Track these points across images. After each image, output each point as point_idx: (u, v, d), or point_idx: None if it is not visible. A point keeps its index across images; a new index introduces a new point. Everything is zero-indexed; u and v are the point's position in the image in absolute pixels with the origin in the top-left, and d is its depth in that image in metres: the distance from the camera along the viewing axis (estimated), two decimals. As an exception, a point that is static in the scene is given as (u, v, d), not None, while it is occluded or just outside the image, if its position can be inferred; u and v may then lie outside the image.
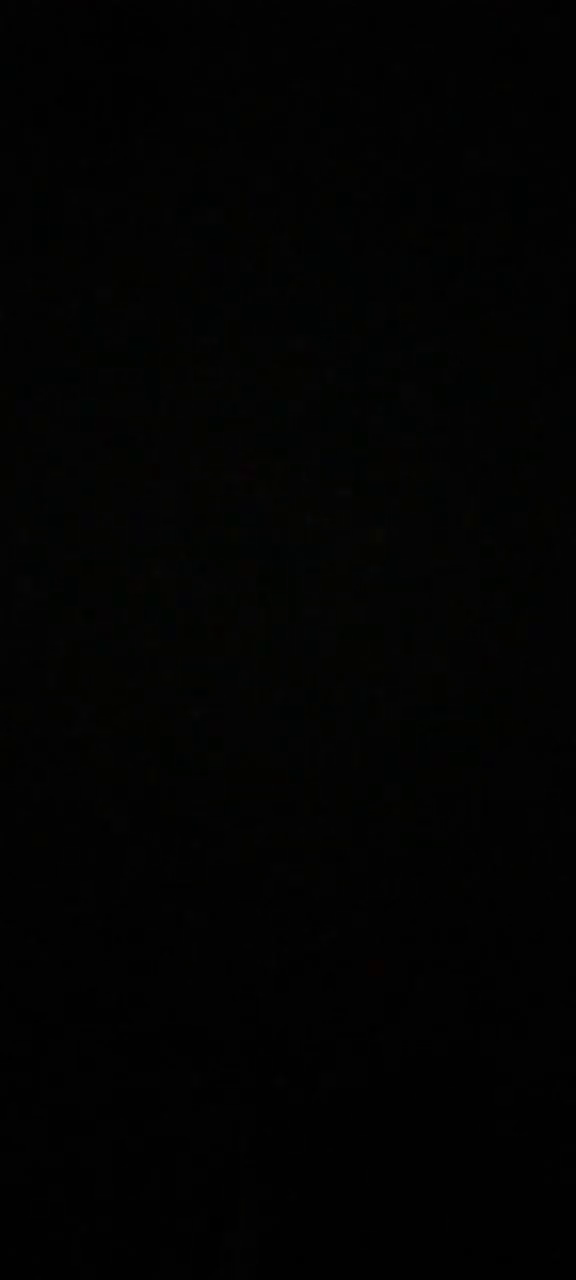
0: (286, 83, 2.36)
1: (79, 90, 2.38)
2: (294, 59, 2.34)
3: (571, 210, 2.42)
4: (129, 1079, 2.75)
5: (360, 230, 2.42)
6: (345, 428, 2.53)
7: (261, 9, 2.33)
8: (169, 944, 2.77)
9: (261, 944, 2.76)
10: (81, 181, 2.41)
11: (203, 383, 2.51)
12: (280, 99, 2.36)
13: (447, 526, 2.59)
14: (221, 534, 2.59)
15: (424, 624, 2.64)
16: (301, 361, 2.50)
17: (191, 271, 2.45)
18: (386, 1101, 1.53)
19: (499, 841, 2.75)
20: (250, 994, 2.76)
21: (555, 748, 2.72)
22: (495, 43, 2.34)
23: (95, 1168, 2.75)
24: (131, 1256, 2.74)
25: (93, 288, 2.46)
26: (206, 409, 2.52)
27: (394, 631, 2.65)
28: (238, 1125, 1.54)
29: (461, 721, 2.70)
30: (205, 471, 2.56)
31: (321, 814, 2.75)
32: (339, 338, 2.49)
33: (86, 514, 2.59)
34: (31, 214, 2.44)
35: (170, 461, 2.55)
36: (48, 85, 2.37)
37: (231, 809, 2.75)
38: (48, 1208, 2.76)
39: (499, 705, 2.70)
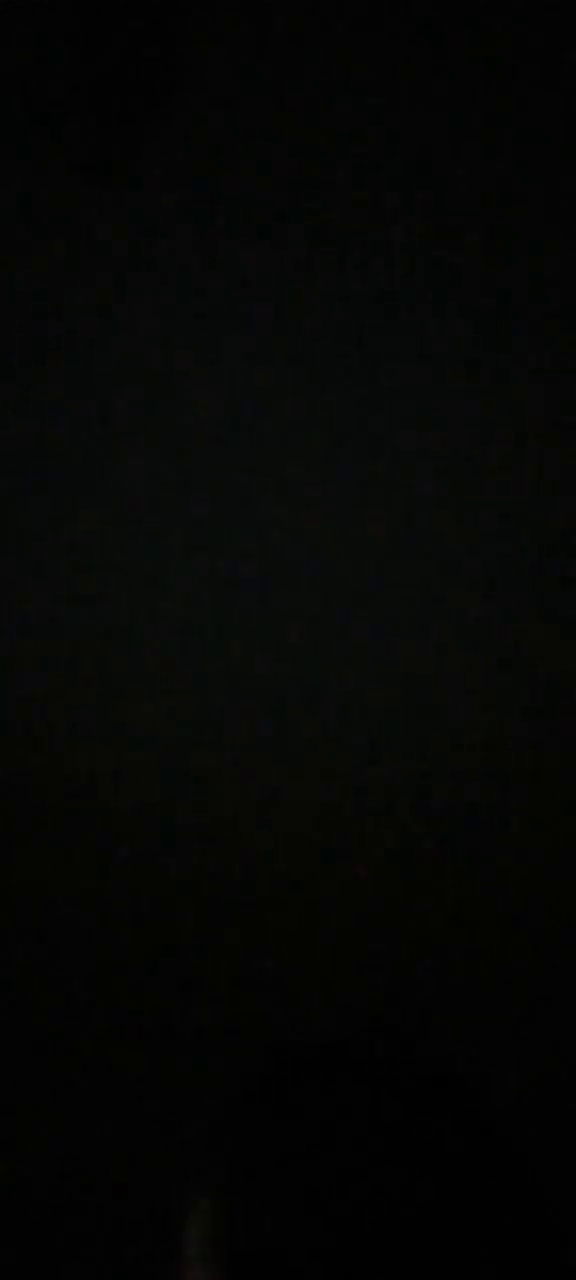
0: (290, 83, 2.36)
1: (79, 89, 2.38)
2: (296, 60, 2.34)
3: (571, 210, 2.42)
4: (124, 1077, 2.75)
5: (363, 231, 2.42)
6: (346, 428, 2.53)
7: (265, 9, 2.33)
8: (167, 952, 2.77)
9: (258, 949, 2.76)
10: (82, 182, 2.41)
11: (202, 383, 2.51)
12: (283, 99, 2.36)
13: (449, 527, 2.59)
14: (221, 534, 2.58)
15: (425, 624, 2.64)
16: (302, 361, 2.50)
17: (191, 272, 2.45)
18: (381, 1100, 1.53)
19: (502, 836, 2.75)
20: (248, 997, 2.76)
21: (560, 742, 2.72)
22: (496, 44, 2.34)
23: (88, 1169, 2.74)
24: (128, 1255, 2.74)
25: (93, 287, 2.46)
26: (206, 408, 2.52)
27: (394, 632, 2.64)
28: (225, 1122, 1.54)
29: (462, 723, 2.70)
30: (205, 471, 2.55)
31: (318, 812, 2.75)
32: (340, 337, 2.49)
33: (83, 512, 2.59)
34: (30, 213, 2.44)
35: (169, 460, 2.55)
36: (47, 85, 2.37)
37: (227, 805, 2.75)
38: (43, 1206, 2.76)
39: (500, 703, 2.69)
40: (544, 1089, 2.75)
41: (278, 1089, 1.54)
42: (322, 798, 2.73)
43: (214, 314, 2.46)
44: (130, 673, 2.67)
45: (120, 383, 2.50)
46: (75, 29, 2.34)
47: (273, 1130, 1.52)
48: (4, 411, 2.52)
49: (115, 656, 2.66)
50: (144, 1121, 2.78)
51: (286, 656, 2.65)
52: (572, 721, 2.68)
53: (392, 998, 2.75)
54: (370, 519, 2.56)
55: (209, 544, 2.58)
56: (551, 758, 2.70)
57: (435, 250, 2.41)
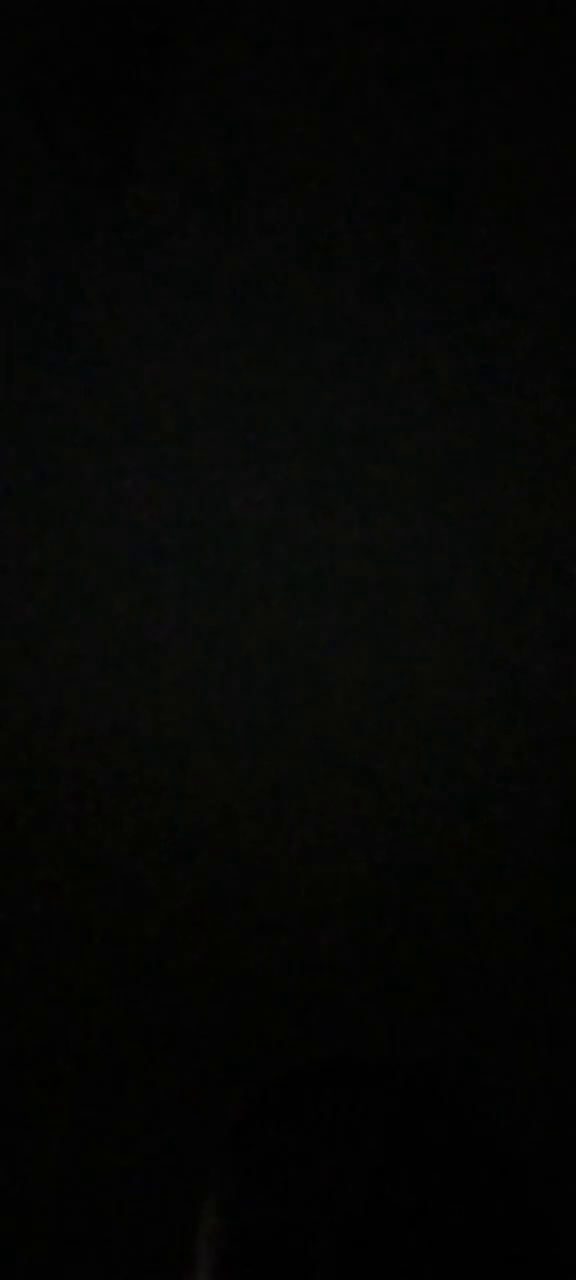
0: (289, 83, 2.36)
1: (79, 89, 2.38)
2: (295, 60, 2.35)
3: (571, 211, 2.42)
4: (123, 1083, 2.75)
5: (363, 231, 2.42)
6: (346, 428, 2.53)
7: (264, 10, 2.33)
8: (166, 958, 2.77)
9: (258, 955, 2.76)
10: (81, 184, 2.42)
11: (202, 383, 2.51)
12: (283, 100, 2.36)
13: (449, 527, 2.59)
14: (220, 534, 2.59)
15: (425, 625, 2.64)
16: (302, 361, 2.50)
17: (192, 272, 2.45)
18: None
19: (502, 836, 2.75)
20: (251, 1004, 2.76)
21: (560, 743, 2.72)
22: (496, 44, 2.34)
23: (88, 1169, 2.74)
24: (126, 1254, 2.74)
25: (93, 287, 2.47)
26: (206, 409, 2.53)
27: (395, 633, 2.65)
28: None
29: (462, 725, 2.70)
30: (205, 470, 2.56)
31: (316, 815, 2.75)
32: (340, 337, 2.49)
33: (83, 511, 2.60)
34: (30, 214, 2.44)
35: (169, 460, 2.55)
36: (47, 84, 2.37)
37: (227, 805, 2.75)
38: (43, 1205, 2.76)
39: (500, 703, 2.70)
40: (544, 1089, 2.75)
41: (282, 1092, 1.54)
42: (322, 798, 2.73)
43: (214, 314, 2.46)
44: (130, 673, 2.67)
45: (120, 382, 2.50)
46: (75, 29, 2.34)
47: (276, 1132, 1.53)
48: (4, 411, 2.52)
49: (115, 656, 2.66)
50: (144, 1122, 2.78)
51: (286, 656, 2.65)
52: (573, 721, 2.68)
53: (393, 999, 2.75)
54: (370, 519, 2.56)
55: (209, 544, 2.58)
56: (551, 758, 2.71)
57: (435, 250, 2.41)
